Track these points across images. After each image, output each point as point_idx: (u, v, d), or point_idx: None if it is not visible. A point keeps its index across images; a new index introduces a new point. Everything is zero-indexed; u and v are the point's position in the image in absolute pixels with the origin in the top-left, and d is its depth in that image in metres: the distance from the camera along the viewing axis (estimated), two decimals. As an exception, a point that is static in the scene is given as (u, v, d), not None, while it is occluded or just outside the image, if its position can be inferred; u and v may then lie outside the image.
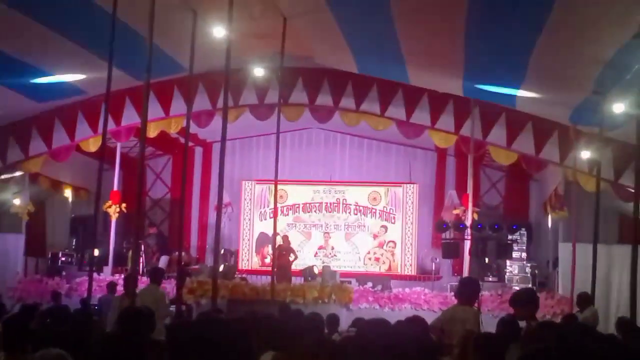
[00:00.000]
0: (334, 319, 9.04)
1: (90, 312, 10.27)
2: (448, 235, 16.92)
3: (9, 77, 13.32)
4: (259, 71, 14.78)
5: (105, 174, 11.97)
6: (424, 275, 19.22)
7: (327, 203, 20.41)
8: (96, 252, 15.26)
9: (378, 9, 10.29)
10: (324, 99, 15.96)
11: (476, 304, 9.00)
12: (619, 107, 10.90)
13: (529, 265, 17.76)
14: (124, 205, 17.77)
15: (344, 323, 10.18)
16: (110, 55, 9.20)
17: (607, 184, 14.07)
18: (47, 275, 17.94)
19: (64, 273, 18.16)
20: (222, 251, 17.95)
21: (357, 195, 20.36)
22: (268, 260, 19.45)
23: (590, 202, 13.52)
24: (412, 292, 16.48)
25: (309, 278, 17.07)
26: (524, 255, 18.27)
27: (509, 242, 16.28)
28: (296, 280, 16.98)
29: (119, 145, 18.16)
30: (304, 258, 19.38)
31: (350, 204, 20.33)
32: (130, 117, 15.97)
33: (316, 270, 17.66)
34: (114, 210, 17.72)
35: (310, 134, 20.79)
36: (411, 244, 19.96)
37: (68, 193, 19.34)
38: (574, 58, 10.14)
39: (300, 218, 20.49)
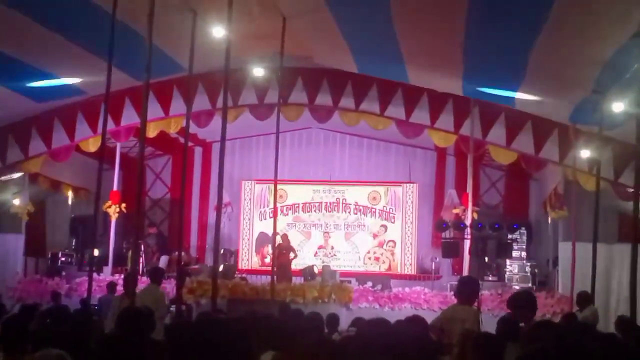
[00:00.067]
0: (333, 319, 9.04)
1: (90, 312, 10.25)
2: (448, 234, 16.92)
3: (8, 78, 13.32)
4: (258, 71, 14.78)
5: (105, 174, 11.96)
6: (423, 274, 19.23)
7: (326, 203, 20.41)
8: (96, 252, 15.25)
9: (378, 9, 10.30)
10: (324, 98, 15.96)
11: (476, 304, 9.00)
12: (618, 107, 10.90)
13: (528, 264, 17.77)
14: (123, 205, 17.77)
15: (344, 323, 10.19)
16: (109, 56, 9.20)
17: (607, 183, 14.07)
18: (46, 275, 17.93)
19: (63, 273, 18.16)
20: (221, 251, 17.96)
21: (357, 194, 20.37)
22: (268, 260, 19.46)
23: (590, 201, 13.52)
24: (412, 292, 16.48)
25: (309, 278, 17.07)
26: (523, 254, 18.28)
27: (508, 241, 16.27)
28: (296, 280, 16.98)
29: (118, 145, 18.15)
30: (304, 258, 19.39)
31: (350, 204, 20.34)
32: (129, 117, 15.97)
33: (316, 270, 17.66)
34: (113, 210, 17.72)
35: (310, 134, 20.80)
36: (411, 244, 19.96)
37: (68, 193, 19.35)
38: (573, 57, 10.14)
39: (300, 218, 20.50)
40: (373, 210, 20.24)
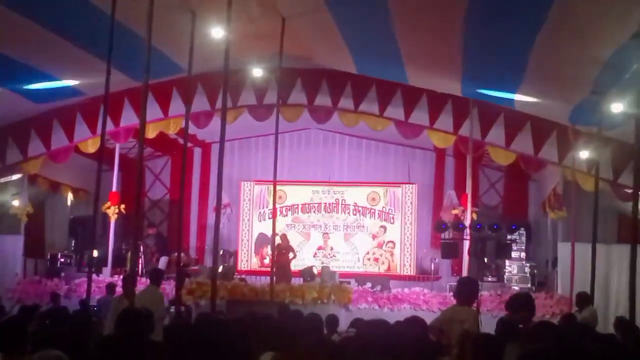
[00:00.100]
0: (333, 320, 9.04)
1: (90, 313, 10.25)
2: (447, 235, 16.93)
3: (7, 79, 13.31)
4: (257, 72, 14.77)
5: (104, 175, 11.96)
6: (423, 275, 19.22)
7: (326, 203, 20.40)
8: (95, 253, 15.24)
9: (377, 9, 10.29)
10: (323, 99, 15.97)
11: (475, 304, 9.00)
12: (617, 107, 10.90)
13: (528, 265, 17.76)
14: (122, 206, 17.76)
15: (343, 323, 10.18)
16: (108, 56, 9.19)
17: (606, 184, 14.07)
18: (46, 276, 17.92)
19: (63, 274, 18.15)
20: (221, 252, 17.95)
21: (356, 195, 20.36)
22: (267, 261, 19.44)
23: (589, 202, 13.52)
24: (411, 293, 16.48)
25: (308, 278, 17.06)
26: (523, 255, 18.26)
27: (508, 242, 16.27)
28: (295, 281, 16.97)
29: (117, 146, 18.14)
30: (303, 259, 19.39)
31: (349, 205, 20.33)
32: (129, 118, 15.97)
33: (315, 271, 17.65)
34: (113, 211, 17.72)
35: (309, 135, 20.79)
36: (410, 244, 19.96)
37: (67, 194, 19.34)
38: (572, 58, 10.14)
39: (299, 218, 20.49)
40: (372, 211, 20.23)
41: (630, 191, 12.18)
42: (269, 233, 17.07)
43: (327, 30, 11.71)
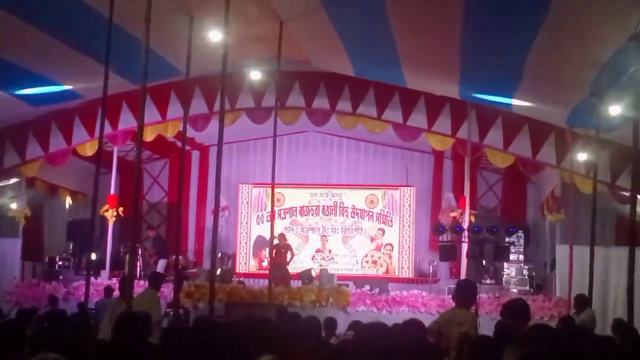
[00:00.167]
0: (331, 322, 9.02)
1: (88, 316, 10.25)
2: (445, 237, 16.90)
3: (4, 82, 13.30)
4: (255, 75, 14.77)
5: (102, 178, 11.96)
6: (421, 278, 19.21)
7: (324, 206, 20.41)
8: (93, 256, 15.26)
9: (374, 12, 10.30)
10: (321, 102, 15.98)
11: (474, 307, 9.00)
12: (615, 109, 10.91)
13: (526, 267, 17.76)
14: (121, 209, 17.73)
15: (342, 326, 10.16)
16: (106, 60, 9.19)
17: (604, 186, 14.08)
18: (44, 279, 17.91)
19: (61, 277, 18.13)
20: (219, 255, 17.94)
21: (354, 198, 20.37)
22: (265, 263, 19.44)
23: (587, 204, 13.53)
24: (410, 295, 16.48)
25: (307, 281, 17.05)
26: (521, 257, 18.27)
27: (506, 244, 16.26)
28: (293, 284, 16.96)
29: (115, 149, 18.13)
30: (302, 261, 19.40)
31: (347, 207, 20.33)
32: (127, 121, 15.97)
33: (313, 274, 17.64)
34: (111, 214, 17.70)
35: (307, 137, 20.80)
36: (408, 247, 19.96)
37: (65, 197, 19.33)
38: (570, 59, 10.14)
39: (297, 221, 20.49)
40: (370, 213, 20.24)
41: (628, 194, 12.19)
42: (267, 236, 17.05)
43: (325, 33, 11.72)
